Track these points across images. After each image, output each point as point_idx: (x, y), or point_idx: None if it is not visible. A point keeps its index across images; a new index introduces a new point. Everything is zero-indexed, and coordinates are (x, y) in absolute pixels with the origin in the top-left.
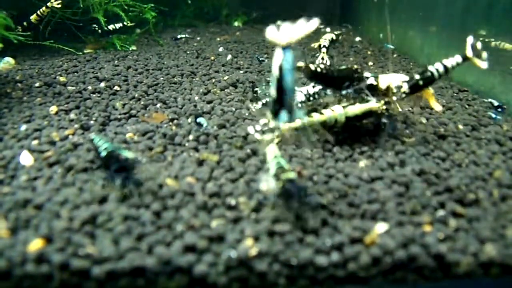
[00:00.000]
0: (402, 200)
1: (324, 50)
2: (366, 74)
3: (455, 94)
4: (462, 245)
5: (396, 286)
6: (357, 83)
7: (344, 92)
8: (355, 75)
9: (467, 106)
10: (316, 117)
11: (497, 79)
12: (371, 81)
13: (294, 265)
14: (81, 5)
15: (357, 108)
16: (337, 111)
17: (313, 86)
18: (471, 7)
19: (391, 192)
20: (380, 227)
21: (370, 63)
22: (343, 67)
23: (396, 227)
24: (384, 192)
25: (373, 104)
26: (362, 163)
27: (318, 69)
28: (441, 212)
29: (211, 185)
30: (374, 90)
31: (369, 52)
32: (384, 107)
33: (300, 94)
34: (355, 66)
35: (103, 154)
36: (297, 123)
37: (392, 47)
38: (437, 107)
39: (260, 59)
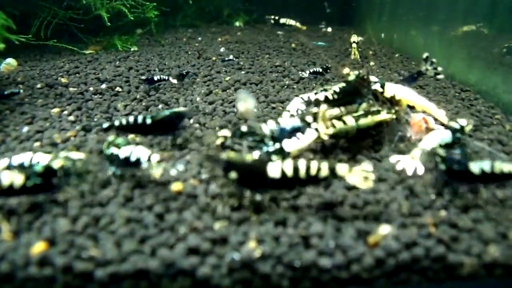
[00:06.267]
0: (406, 202)
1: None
2: (372, 78)
3: (457, 94)
4: (466, 246)
5: (399, 287)
6: (366, 91)
7: (357, 104)
8: (363, 84)
9: (469, 106)
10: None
11: (499, 78)
12: (376, 86)
13: (297, 267)
14: (84, 1)
15: (369, 120)
16: (349, 123)
17: (315, 93)
18: (473, 6)
19: (395, 194)
20: (384, 229)
21: (372, 63)
22: (351, 77)
23: (399, 228)
24: (387, 194)
25: (385, 115)
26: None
27: (331, 97)
28: (444, 213)
29: (214, 186)
30: (377, 95)
31: (370, 52)
32: (394, 116)
33: (300, 100)
34: (362, 73)
35: (149, 121)
36: (306, 141)
37: (324, 44)
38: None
39: (226, 59)
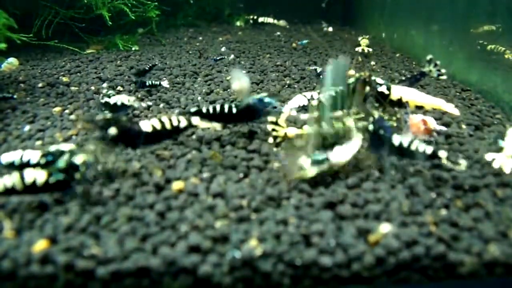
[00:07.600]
0: (406, 200)
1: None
2: (378, 80)
3: (458, 94)
4: (466, 245)
5: (400, 286)
6: (368, 93)
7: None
8: (363, 88)
9: (470, 106)
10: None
11: (500, 78)
12: (382, 89)
13: (298, 265)
14: (85, 0)
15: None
16: (348, 125)
17: (319, 93)
18: (473, 5)
19: (395, 193)
20: (384, 228)
21: (372, 62)
22: (351, 80)
23: (400, 227)
24: (387, 192)
25: None
26: None
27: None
28: (445, 212)
29: (215, 185)
30: (384, 98)
31: (370, 52)
32: (395, 124)
33: (302, 98)
34: (363, 76)
35: (234, 109)
36: (351, 154)
37: (307, 41)
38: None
39: (217, 58)
